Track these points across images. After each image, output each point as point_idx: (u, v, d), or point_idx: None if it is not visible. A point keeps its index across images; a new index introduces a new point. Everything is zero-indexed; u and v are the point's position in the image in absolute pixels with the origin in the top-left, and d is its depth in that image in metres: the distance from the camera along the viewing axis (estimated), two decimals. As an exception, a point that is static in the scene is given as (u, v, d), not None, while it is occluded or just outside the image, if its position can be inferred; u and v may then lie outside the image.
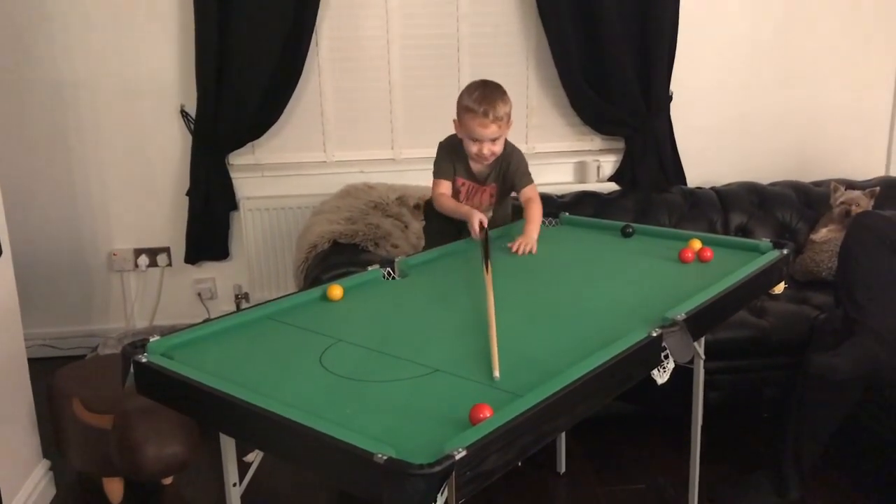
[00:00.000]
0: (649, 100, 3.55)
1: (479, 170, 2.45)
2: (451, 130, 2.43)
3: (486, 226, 2.23)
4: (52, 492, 2.59)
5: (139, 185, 3.60)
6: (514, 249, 2.22)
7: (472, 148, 2.33)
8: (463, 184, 2.45)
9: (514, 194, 2.49)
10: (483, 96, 2.28)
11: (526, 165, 2.45)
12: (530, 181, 2.44)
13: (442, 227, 2.51)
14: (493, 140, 2.31)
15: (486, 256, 2.00)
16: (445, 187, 2.44)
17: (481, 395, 1.33)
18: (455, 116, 2.36)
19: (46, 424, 2.59)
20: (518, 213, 2.54)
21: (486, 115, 2.26)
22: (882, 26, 3.78)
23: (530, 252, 2.23)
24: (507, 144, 2.42)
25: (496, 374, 1.42)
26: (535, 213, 2.36)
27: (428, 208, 2.68)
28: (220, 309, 3.70)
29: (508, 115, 2.32)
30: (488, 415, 1.22)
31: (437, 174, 2.46)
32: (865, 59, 3.80)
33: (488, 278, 1.85)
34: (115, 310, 3.73)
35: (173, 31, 3.45)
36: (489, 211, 2.53)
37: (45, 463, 2.58)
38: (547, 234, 2.44)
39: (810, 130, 3.85)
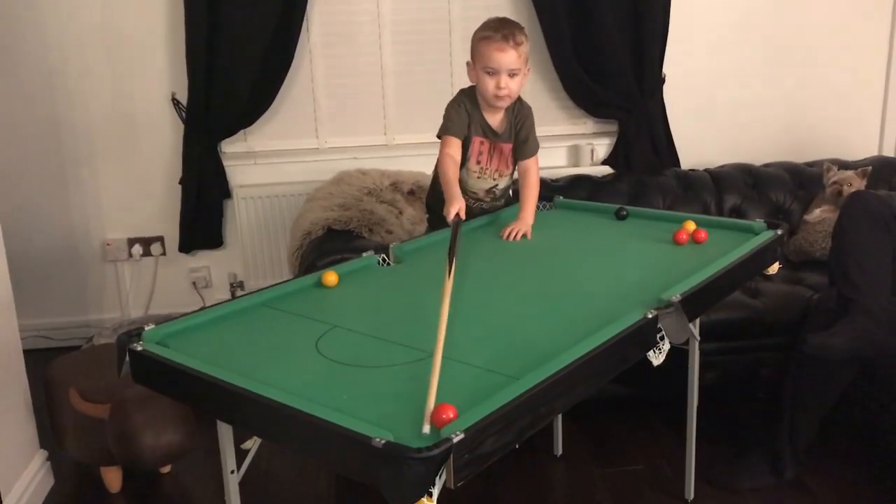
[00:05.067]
0: (642, 82, 3.55)
1: (496, 123, 2.31)
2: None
3: (462, 218, 2.03)
4: (51, 482, 2.60)
5: (131, 174, 3.58)
6: (506, 236, 2.19)
7: (489, 84, 2.18)
8: (482, 143, 2.32)
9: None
10: (502, 23, 2.17)
11: (534, 126, 2.35)
12: (537, 149, 2.34)
13: (445, 219, 2.49)
14: (511, 74, 2.17)
15: (452, 254, 1.68)
16: (454, 147, 2.25)
17: (476, 379, 1.34)
18: (468, 59, 2.25)
19: (43, 415, 2.59)
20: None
21: (505, 39, 2.13)
22: (874, 6, 3.77)
23: (524, 237, 2.20)
24: (521, 99, 2.32)
25: (425, 428, 1.17)
26: (532, 192, 2.29)
27: (431, 200, 2.63)
28: (215, 297, 3.69)
29: (527, 55, 2.19)
30: (452, 416, 1.18)
31: (447, 129, 2.26)
32: (858, 39, 3.80)
33: (448, 284, 1.56)
34: (110, 300, 3.72)
35: (163, 18, 3.42)
36: (508, 181, 2.41)
37: (43, 453, 2.58)
38: (541, 217, 2.43)
39: (803, 111, 3.85)
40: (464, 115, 2.28)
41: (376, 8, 3.54)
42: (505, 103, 2.26)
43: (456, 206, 2.04)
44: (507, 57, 2.15)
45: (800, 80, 3.80)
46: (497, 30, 2.16)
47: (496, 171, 2.38)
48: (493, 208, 2.46)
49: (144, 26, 3.43)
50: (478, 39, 2.20)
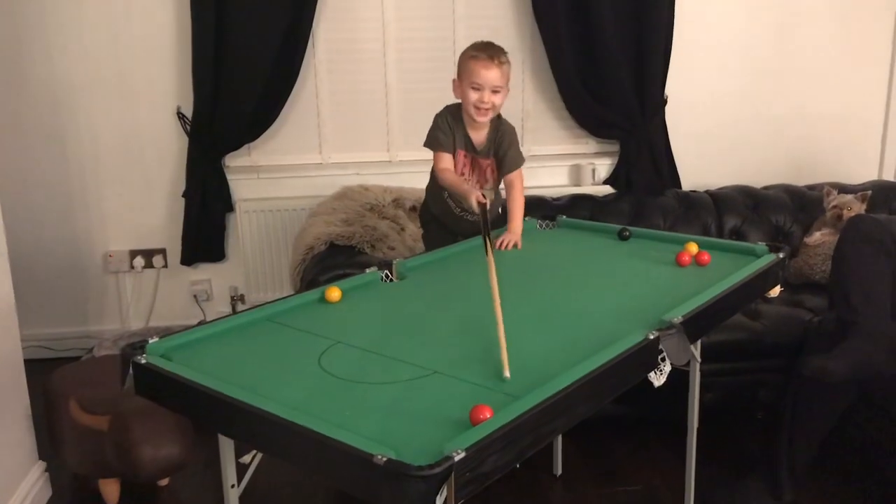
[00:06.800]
0: (644, 103, 3.57)
1: (478, 140, 2.44)
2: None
3: (483, 202, 2.18)
4: (48, 493, 2.59)
5: (135, 186, 3.60)
6: (498, 246, 2.27)
7: (473, 96, 2.32)
8: (466, 156, 2.45)
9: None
10: (487, 45, 2.34)
11: (518, 143, 2.47)
12: (521, 162, 2.45)
13: (439, 234, 2.52)
14: (494, 91, 2.32)
15: (486, 234, 2.00)
16: (447, 161, 2.41)
17: (479, 397, 1.34)
18: (454, 76, 2.38)
19: (42, 426, 2.59)
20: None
21: (491, 59, 2.29)
22: (874, 32, 3.80)
23: (515, 247, 2.29)
24: (503, 119, 2.45)
25: (506, 373, 1.41)
26: (518, 204, 2.39)
27: (424, 214, 2.68)
28: (216, 310, 3.70)
29: (509, 75, 2.35)
30: (489, 416, 1.22)
31: (437, 146, 2.42)
32: (858, 64, 3.83)
33: (490, 260, 1.83)
34: (111, 311, 3.72)
35: (170, 32, 3.45)
36: (491, 192, 2.51)
37: (41, 464, 2.58)
38: (544, 236, 2.46)
39: (804, 134, 3.87)
40: (447, 129, 2.42)
41: (381, 26, 3.57)
42: (486, 116, 2.37)
43: (474, 195, 2.21)
44: (492, 74, 2.31)
45: (800, 104, 3.83)
46: (484, 50, 2.32)
47: (477, 183, 2.48)
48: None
49: (151, 39, 3.46)
50: (467, 58, 2.35)
